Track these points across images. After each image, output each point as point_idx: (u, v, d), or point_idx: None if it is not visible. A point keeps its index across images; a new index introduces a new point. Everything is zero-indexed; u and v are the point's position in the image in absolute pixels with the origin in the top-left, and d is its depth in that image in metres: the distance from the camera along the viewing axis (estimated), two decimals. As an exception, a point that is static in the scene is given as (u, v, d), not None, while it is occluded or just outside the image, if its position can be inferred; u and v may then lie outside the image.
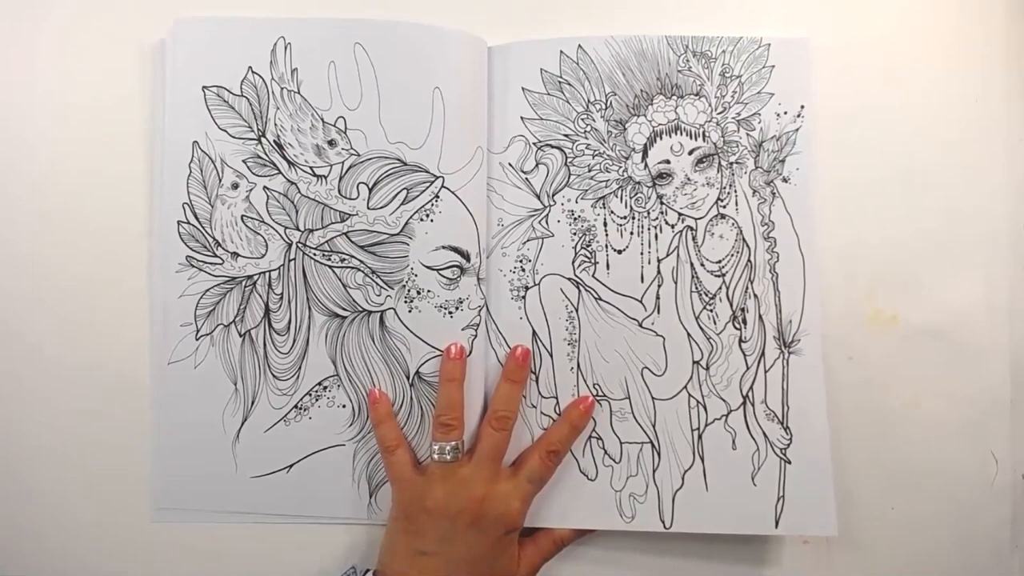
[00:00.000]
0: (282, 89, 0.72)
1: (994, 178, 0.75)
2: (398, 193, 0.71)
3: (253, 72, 0.72)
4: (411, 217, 0.71)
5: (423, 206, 0.71)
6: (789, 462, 0.72)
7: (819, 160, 0.73)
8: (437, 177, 0.71)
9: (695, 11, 0.76)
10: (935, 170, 0.75)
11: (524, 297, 0.73)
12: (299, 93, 0.72)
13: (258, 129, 0.72)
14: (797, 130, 0.73)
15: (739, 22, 0.76)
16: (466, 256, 0.72)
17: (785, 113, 0.74)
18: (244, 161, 0.72)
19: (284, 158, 0.72)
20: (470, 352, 0.72)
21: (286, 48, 0.72)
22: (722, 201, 0.73)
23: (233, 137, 0.72)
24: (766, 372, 0.73)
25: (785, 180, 0.73)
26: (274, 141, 0.72)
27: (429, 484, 0.68)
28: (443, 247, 0.71)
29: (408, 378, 0.72)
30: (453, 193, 0.72)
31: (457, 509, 0.67)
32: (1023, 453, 0.74)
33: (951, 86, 0.75)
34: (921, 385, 0.74)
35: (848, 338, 0.74)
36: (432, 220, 0.71)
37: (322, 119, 0.71)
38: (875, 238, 0.74)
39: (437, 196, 0.71)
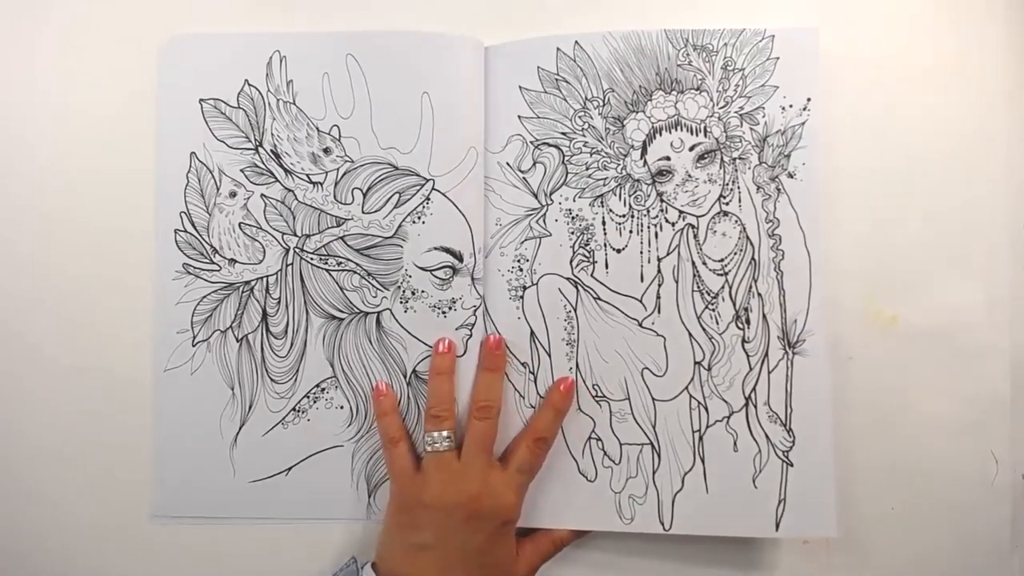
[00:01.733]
0: (278, 100, 0.71)
1: (994, 178, 0.71)
2: (390, 197, 0.70)
3: (249, 85, 0.71)
4: (404, 220, 0.70)
5: (415, 209, 0.70)
6: (791, 464, 0.67)
7: (825, 155, 0.69)
8: (427, 180, 0.69)
9: (695, 3, 0.72)
10: (935, 170, 0.71)
11: (522, 297, 0.70)
12: (295, 104, 0.70)
13: (255, 139, 0.71)
14: (803, 124, 0.69)
15: (740, 13, 0.72)
16: (459, 256, 0.69)
17: (791, 106, 0.69)
18: (242, 170, 0.71)
19: (281, 166, 0.70)
20: (464, 351, 0.69)
21: (281, 61, 0.71)
22: (724, 198, 0.69)
23: (231, 147, 0.71)
24: (769, 373, 0.68)
25: (791, 176, 0.69)
26: (271, 150, 0.70)
27: (425, 478, 0.65)
28: (435, 248, 0.69)
29: (405, 377, 0.70)
30: (444, 195, 0.69)
31: (453, 503, 0.64)
32: (1023, 453, 0.70)
33: (952, 86, 0.71)
34: (921, 385, 0.70)
35: (848, 338, 0.70)
36: (424, 222, 0.69)
37: (317, 128, 0.70)
38: (875, 238, 0.71)
39: (428, 198, 0.69)
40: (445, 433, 0.67)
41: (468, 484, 0.65)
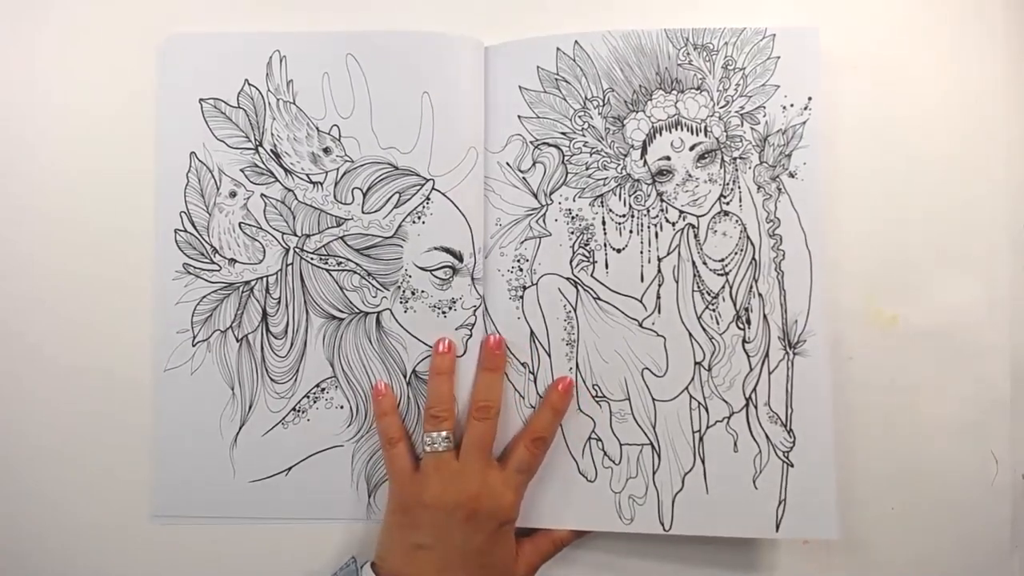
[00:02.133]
0: (278, 100, 0.70)
1: (994, 178, 0.71)
2: (390, 197, 0.69)
3: (249, 84, 0.70)
4: (404, 220, 0.69)
5: (415, 208, 0.69)
6: (792, 465, 0.66)
7: (825, 155, 0.68)
8: (427, 180, 0.69)
9: (695, 2, 0.72)
10: (935, 170, 0.71)
11: (522, 297, 0.69)
12: (294, 104, 0.70)
13: (255, 139, 0.70)
14: (804, 123, 0.68)
15: (740, 13, 0.71)
16: (459, 256, 0.69)
17: (791, 105, 0.68)
18: (242, 170, 0.70)
19: (281, 166, 0.70)
20: (464, 351, 0.69)
21: (281, 61, 0.70)
22: (725, 198, 0.68)
23: (231, 147, 0.70)
24: (770, 373, 0.67)
25: (792, 175, 0.68)
26: (271, 150, 0.70)
27: (425, 478, 0.65)
28: (435, 248, 0.69)
29: (405, 377, 0.69)
30: (444, 195, 0.69)
31: (453, 503, 0.63)
32: (1023, 453, 0.70)
33: (951, 87, 0.71)
34: (921, 385, 0.70)
35: (848, 338, 0.70)
36: (424, 222, 0.69)
37: (317, 128, 0.70)
38: (875, 238, 0.70)
39: (428, 198, 0.69)
40: (444, 434, 0.66)
41: (467, 484, 0.65)
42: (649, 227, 0.69)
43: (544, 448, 0.68)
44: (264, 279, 0.70)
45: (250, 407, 0.70)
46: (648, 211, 0.69)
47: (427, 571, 0.64)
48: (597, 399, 0.69)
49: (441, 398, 0.67)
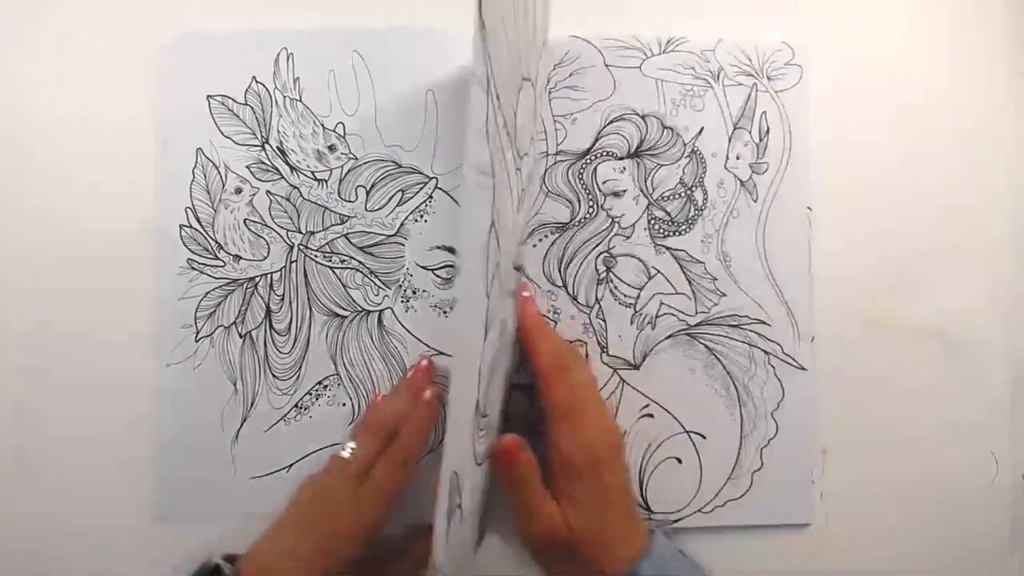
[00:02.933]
0: (285, 97, 0.70)
1: (994, 178, 0.71)
2: (393, 195, 0.69)
3: (257, 82, 0.70)
4: (406, 218, 0.69)
5: (417, 207, 0.69)
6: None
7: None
8: (430, 178, 0.69)
9: (687, 15, 0.71)
10: (935, 170, 0.71)
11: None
12: (301, 101, 0.70)
13: (261, 136, 0.70)
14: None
15: (735, 23, 0.71)
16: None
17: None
18: (248, 167, 0.70)
19: (287, 163, 0.69)
20: None
21: (288, 58, 0.70)
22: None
23: (237, 144, 0.70)
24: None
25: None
26: (277, 147, 0.70)
27: (307, 481, 0.64)
28: (437, 247, 0.69)
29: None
30: (447, 193, 0.69)
31: (305, 523, 0.63)
32: (1023, 453, 0.69)
33: (951, 86, 0.71)
34: (921, 385, 0.70)
35: (847, 338, 0.69)
36: (426, 221, 0.69)
37: (323, 125, 0.70)
38: (875, 238, 0.70)
39: (431, 197, 0.69)
40: (353, 445, 0.64)
41: (321, 518, 0.62)
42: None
43: (402, 462, 0.64)
44: (268, 276, 0.70)
45: (252, 403, 0.69)
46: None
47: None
48: (478, 414, 0.58)
49: (379, 414, 0.66)
